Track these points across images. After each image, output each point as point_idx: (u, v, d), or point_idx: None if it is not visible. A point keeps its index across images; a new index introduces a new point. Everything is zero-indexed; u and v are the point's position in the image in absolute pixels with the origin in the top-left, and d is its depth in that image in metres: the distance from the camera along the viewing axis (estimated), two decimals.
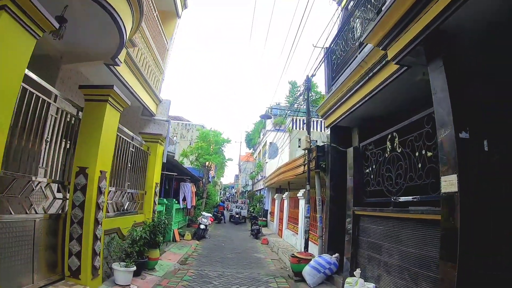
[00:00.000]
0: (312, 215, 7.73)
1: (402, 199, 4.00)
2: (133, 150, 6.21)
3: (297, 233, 9.87)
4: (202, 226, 11.22)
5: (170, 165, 9.43)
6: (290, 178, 10.15)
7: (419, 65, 3.79)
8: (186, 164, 17.60)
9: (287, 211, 12.14)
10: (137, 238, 5.43)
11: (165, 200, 8.92)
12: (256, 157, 29.22)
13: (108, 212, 5.25)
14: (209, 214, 12.60)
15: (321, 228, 6.71)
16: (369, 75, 4.78)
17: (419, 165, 3.74)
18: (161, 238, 5.95)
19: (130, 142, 6.02)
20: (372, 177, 4.84)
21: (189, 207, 12.38)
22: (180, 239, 10.75)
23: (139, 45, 6.90)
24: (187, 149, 17.64)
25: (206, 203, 17.42)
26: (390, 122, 4.81)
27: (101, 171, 4.48)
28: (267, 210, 18.95)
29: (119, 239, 5.40)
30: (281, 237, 12.89)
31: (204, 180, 17.15)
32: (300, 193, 9.37)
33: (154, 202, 7.06)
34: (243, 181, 45.95)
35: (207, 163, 17.08)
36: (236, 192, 48.02)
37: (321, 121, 22.12)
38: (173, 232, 10.33)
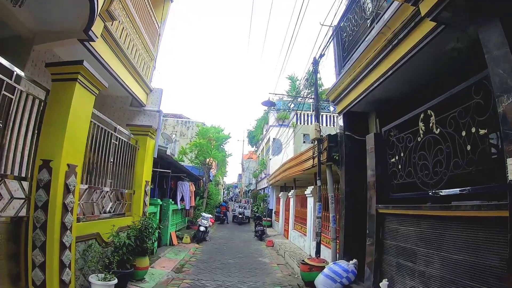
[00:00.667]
0: (323, 215, 6.91)
1: (445, 192, 3.19)
2: (117, 143, 5.45)
3: (305, 235, 9.07)
4: (201, 228, 10.45)
5: (164, 161, 8.68)
6: (296, 174, 9.36)
7: (458, 22, 3.02)
8: (186, 162, 16.86)
9: (293, 211, 11.34)
10: (120, 245, 4.67)
11: (159, 200, 8.17)
12: (259, 155, 28.42)
13: (84, 215, 4.50)
14: (209, 215, 11.82)
15: (335, 229, 5.91)
16: (393, 43, 3.97)
17: (468, 148, 2.92)
18: (150, 244, 5.18)
19: (112, 134, 5.26)
20: (400, 167, 4.03)
21: (187, 207, 11.62)
22: (178, 243, 10.00)
23: (123, 24, 6.15)
24: (186, 147, 16.85)
25: (207, 203, 16.64)
26: (414, 103, 4.02)
27: (68, 165, 3.71)
28: (272, 209, 18.15)
29: (99, 247, 4.64)
30: (287, 238, 12.10)
31: (204, 178, 16.37)
32: (308, 191, 8.56)
33: (144, 203, 6.30)
34: (247, 180, 45.17)
35: (207, 160, 16.29)
36: (239, 192, 47.34)
37: (328, 116, 21.31)
38: (170, 235, 9.58)
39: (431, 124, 3.53)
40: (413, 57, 3.78)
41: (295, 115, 20.55)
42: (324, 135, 6.17)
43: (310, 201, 8.44)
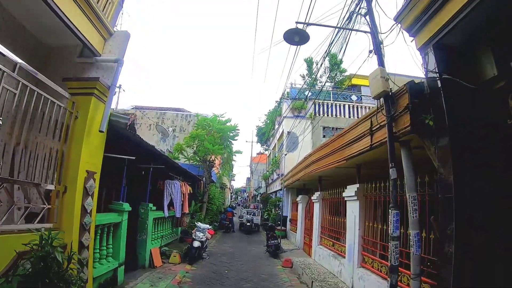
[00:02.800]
0: (372, 229, 4.31)
1: None
2: (17, 92, 3.02)
3: (343, 256, 6.48)
4: (195, 244, 7.92)
5: (136, 148, 6.19)
6: (328, 167, 6.76)
7: None
8: (182, 161, 14.43)
9: (319, 220, 8.74)
10: None
11: (126, 205, 5.67)
12: (270, 153, 25.82)
13: None
14: (207, 226, 9.23)
15: (419, 258, 3.32)
16: None
17: None
18: None
19: (4, 72, 2.83)
20: None
21: (178, 215, 9.11)
22: (164, 263, 7.52)
23: None
24: (183, 142, 14.38)
25: (208, 209, 14.07)
26: None
27: None
28: (286, 216, 15.48)
29: None
30: (310, 255, 9.49)
31: (204, 179, 13.83)
32: (349, 191, 5.97)
33: (84, 208, 3.82)
34: (255, 184, 42.72)
35: (208, 157, 13.73)
36: (248, 196, 44.90)
37: (351, 106, 18.67)
38: (150, 253, 7.10)
39: None
40: None
41: (313, 105, 18.02)
42: (391, 88, 3.61)
43: (353, 207, 5.84)
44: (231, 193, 54.33)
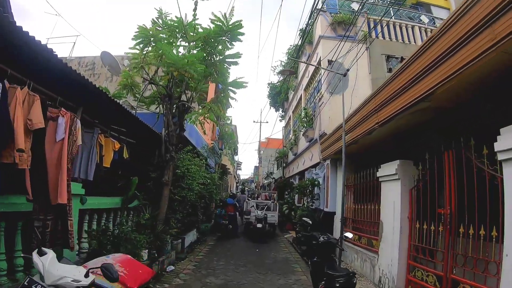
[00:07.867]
0: None
1: None
2: None
3: None
4: None
5: None
6: None
7: None
8: (135, 105, 7.89)
9: None
10: None
11: None
12: (287, 121, 19.10)
13: None
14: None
15: None
16: None
17: None
18: None
19: None
20: None
21: None
22: None
23: None
24: (131, 66, 7.61)
25: (175, 200, 7.26)
26: None
27: None
28: (328, 212, 8.81)
29: None
30: None
31: (166, 133, 6.99)
32: None
33: None
34: (264, 172, 36.71)
35: (176, 88, 6.91)
36: (256, 187, 39.05)
37: (422, 30, 11.80)
38: None
39: None
40: None
41: (366, 22, 11.17)
42: None
43: None
44: (236, 182, 46.90)
